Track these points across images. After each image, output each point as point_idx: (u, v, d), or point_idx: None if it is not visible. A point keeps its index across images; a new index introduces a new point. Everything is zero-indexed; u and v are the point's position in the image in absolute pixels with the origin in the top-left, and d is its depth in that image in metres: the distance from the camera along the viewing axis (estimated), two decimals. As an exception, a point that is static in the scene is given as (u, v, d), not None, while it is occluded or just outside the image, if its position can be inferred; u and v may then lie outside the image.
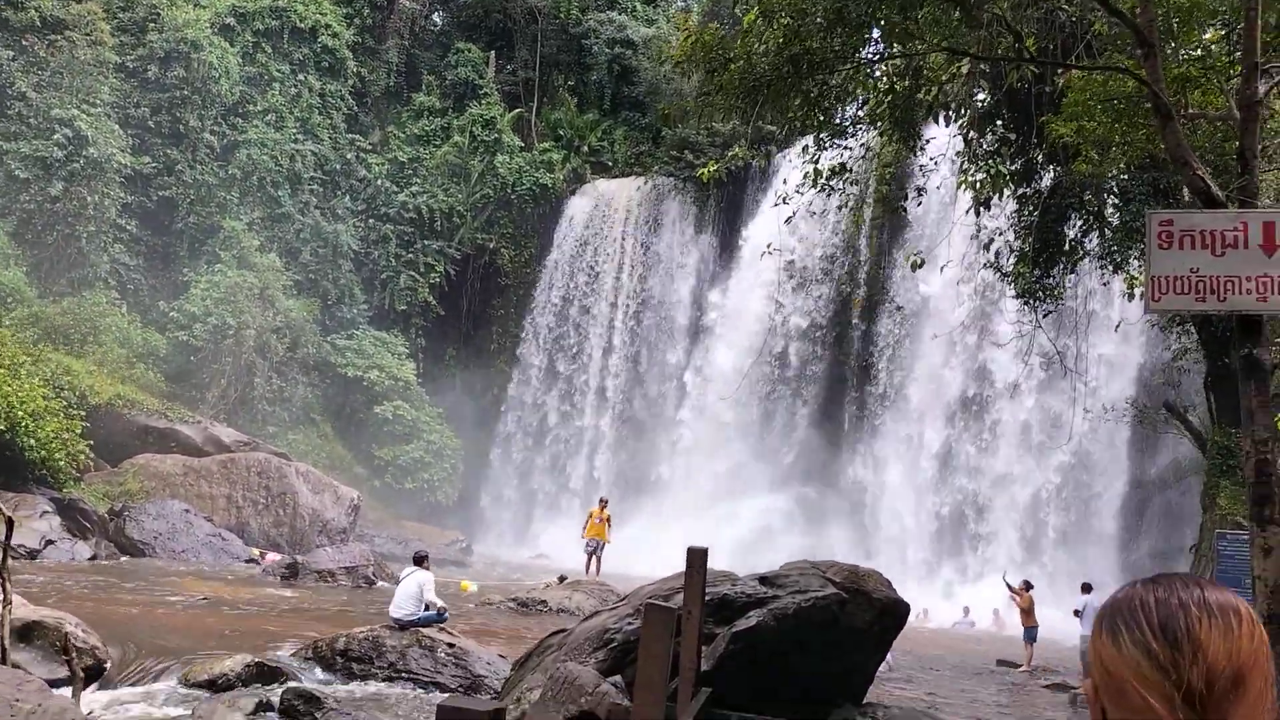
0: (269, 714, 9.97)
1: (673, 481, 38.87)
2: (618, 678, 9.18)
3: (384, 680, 11.93)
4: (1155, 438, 29.51)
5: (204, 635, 13.90)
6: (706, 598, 9.30)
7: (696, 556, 8.73)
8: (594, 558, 23.55)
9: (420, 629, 12.69)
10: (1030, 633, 19.82)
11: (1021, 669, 19.12)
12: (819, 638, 10.29)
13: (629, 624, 9.98)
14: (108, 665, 11.31)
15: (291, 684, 10.88)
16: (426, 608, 13.06)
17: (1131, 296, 19.79)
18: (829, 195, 16.35)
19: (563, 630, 10.85)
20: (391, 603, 13.20)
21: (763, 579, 10.60)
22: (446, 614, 13.56)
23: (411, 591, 13.04)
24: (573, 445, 42.43)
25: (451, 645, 12.42)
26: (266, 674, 11.46)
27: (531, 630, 16.34)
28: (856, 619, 10.74)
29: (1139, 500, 31.02)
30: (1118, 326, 26.90)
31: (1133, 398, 28.67)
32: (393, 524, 36.63)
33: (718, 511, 35.20)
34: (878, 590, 11.07)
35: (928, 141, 16.44)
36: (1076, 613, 18.77)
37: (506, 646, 14.27)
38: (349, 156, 42.80)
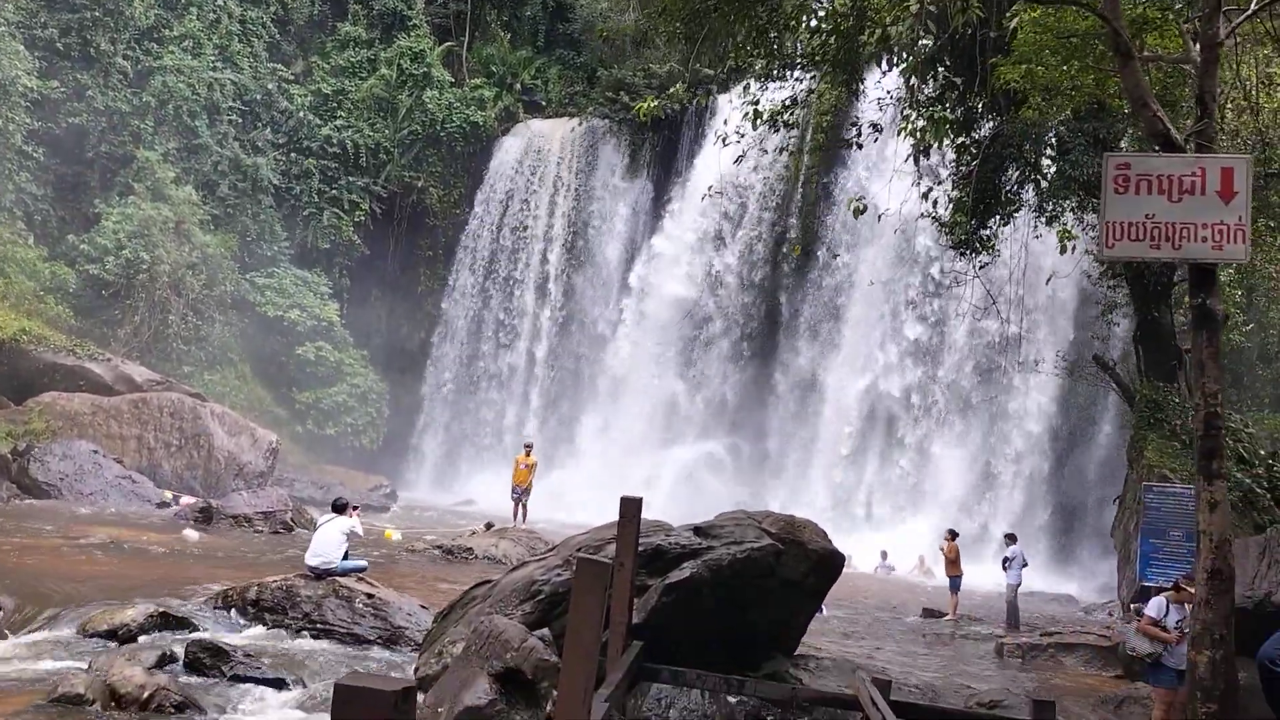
0: (173, 666, 9.39)
1: (604, 428, 38.53)
2: (545, 631, 8.78)
3: (298, 631, 11.37)
4: (1081, 391, 29.85)
5: (108, 582, 13.18)
6: (640, 548, 8.92)
7: (630, 506, 8.32)
8: (520, 504, 23.11)
9: (338, 578, 12.13)
10: (955, 582, 19.89)
11: (947, 618, 19.20)
12: (754, 589, 10.00)
13: (558, 575, 9.56)
14: (-2, 615, 10.60)
15: (197, 635, 10.29)
16: (345, 556, 12.49)
17: (1064, 249, 19.68)
18: (776, 130, 15.90)
19: (488, 581, 10.41)
20: (308, 550, 12.60)
21: (697, 529, 10.25)
22: (366, 567, 13.03)
23: (331, 539, 12.44)
24: (502, 391, 41.79)
25: (370, 595, 11.89)
26: (172, 624, 10.84)
27: (456, 579, 15.89)
28: (791, 570, 10.47)
29: (1062, 452, 31.43)
30: (1049, 280, 27.02)
31: (1062, 351, 28.88)
32: (314, 469, 35.76)
33: (649, 459, 35.00)
34: (813, 541, 10.81)
35: (885, 74, 16.06)
36: (1005, 562, 18.90)
37: (429, 596, 13.79)
38: (270, 87, 41.06)
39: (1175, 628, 8.87)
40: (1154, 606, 9.37)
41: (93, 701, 8.05)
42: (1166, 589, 16.86)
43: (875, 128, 16.41)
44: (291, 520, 21.70)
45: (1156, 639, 9.14)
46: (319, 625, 11.43)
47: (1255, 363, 25.56)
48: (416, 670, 9.52)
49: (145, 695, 8.13)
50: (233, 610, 11.84)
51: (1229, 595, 7.67)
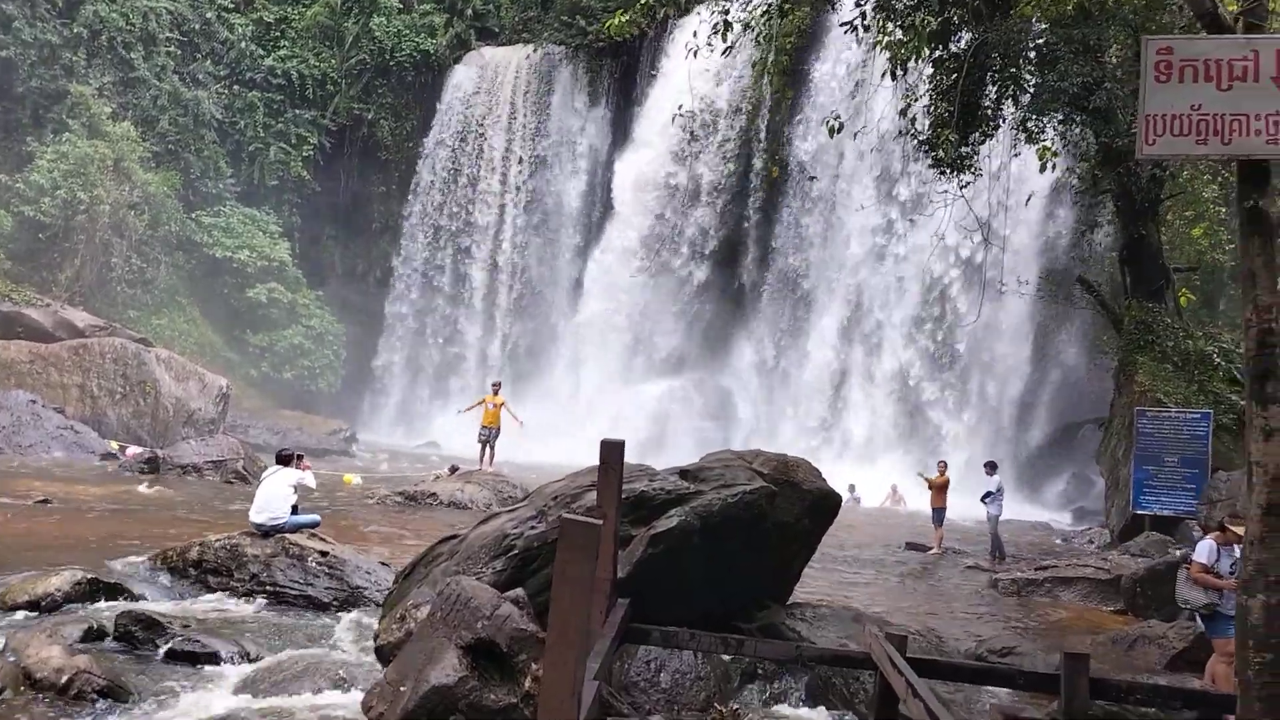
0: (100, 642, 8.36)
1: (568, 366, 37.54)
2: (519, 591, 7.83)
3: (244, 595, 10.35)
4: (1055, 313, 29.16)
5: (41, 544, 12.10)
6: (622, 496, 7.99)
7: (612, 451, 7.36)
8: (488, 447, 22.07)
9: (287, 535, 11.10)
10: (939, 514, 19.15)
11: (932, 551, 18.55)
12: (746, 535, 9.12)
13: (531, 528, 8.61)
14: (-96, 589, 9.48)
15: (129, 605, 9.24)
16: (295, 510, 11.44)
17: (1044, 168, 18.78)
18: (751, 28, 14.79)
19: (454, 536, 9.44)
20: (252, 507, 11.54)
21: (683, 472, 9.32)
22: (319, 522, 12.00)
23: (277, 492, 11.38)
24: (463, 329, 40.63)
25: (324, 554, 10.89)
26: (103, 591, 9.78)
27: (420, 530, 14.94)
28: (786, 513, 9.61)
29: (1037, 376, 30.81)
30: (1029, 200, 26.15)
31: (1042, 271, 28.10)
32: (271, 414, 34.56)
33: (616, 396, 34.11)
34: (808, 481, 9.94)
35: None
36: (987, 495, 18.09)
37: (390, 551, 12.83)
38: (209, 16, 39.07)
39: (1230, 574, 8.05)
40: (1203, 551, 8.52)
41: (1, 690, 7.02)
42: (1163, 516, 16.23)
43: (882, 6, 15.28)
44: (244, 469, 20.63)
45: (1212, 588, 8.30)
46: (268, 588, 10.43)
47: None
48: (377, 637, 8.56)
49: (64, 680, 7.10)
50: (172, 573, 10.79)
51: (1286, 532, 6.82)
